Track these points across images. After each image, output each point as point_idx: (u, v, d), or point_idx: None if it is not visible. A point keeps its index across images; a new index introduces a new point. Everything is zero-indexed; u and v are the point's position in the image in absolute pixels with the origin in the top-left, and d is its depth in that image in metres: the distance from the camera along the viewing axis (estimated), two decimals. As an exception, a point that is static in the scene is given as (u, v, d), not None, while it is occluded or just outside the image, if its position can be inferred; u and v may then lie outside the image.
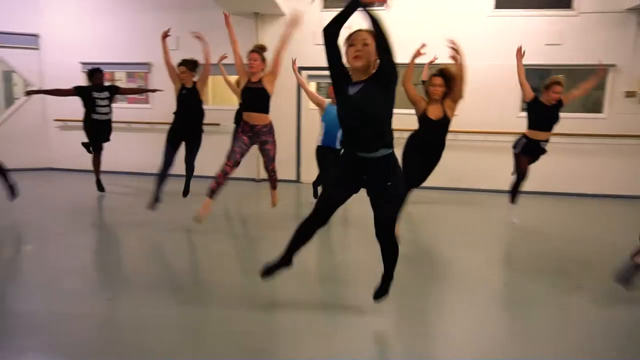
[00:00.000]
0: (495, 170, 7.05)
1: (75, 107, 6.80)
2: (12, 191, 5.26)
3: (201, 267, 4.05)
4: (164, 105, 8.07)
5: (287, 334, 2.78)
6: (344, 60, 2.49)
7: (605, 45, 6.84)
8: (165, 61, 5.43)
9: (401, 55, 7.24)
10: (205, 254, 4.30)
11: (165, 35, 5.37)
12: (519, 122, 5.84)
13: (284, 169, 8.05)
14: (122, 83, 9.57)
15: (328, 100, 5.98)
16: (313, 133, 6.15)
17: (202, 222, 4.13)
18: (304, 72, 7.73)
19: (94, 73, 6.66)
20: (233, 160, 4.26)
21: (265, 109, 4.40)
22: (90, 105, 6.56)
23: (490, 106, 7.24)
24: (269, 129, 4.49)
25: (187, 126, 5.46)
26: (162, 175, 5.18)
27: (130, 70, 8.65)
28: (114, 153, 7.61)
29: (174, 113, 5.53)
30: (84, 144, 6.88)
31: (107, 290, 3.42)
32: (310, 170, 6.81)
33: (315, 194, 6.10)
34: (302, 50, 7.66)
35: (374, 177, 2.54)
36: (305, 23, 7.51)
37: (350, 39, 2.44)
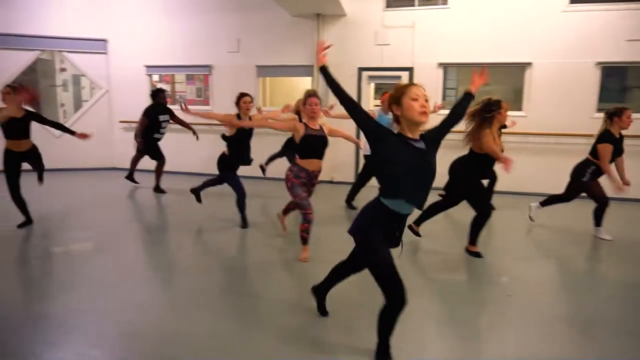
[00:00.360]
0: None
1: (139, 108, 6.96)
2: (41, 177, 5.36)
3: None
4: (222, 106, 8.19)
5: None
6: (399, 111, 2.31)
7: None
8: (218, 119, 5.25)
9: (474, 54, 7.03)
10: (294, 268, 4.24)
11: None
12: (594, 124, 5.45)
13: (343, 171, 7.95)
14: (181, 85, 9.85)
15: (377, 109, 5.87)
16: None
17: (308, 261, 4.11)
18: (364, 73, 7.61)
19: (158, 93, 6.81)
20: (308, 204, 4.09)
21: (323, 156, 4.20)
22: (155, 126, 6.80)
23: (562, 107, 6.84)
24: (320, 171, 4.30)
25: (246, 156, 5.33)
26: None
27: (191, 73, 8.83)
28: (174, 154, 7.81)
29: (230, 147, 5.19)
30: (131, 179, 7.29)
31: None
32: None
33: (350, 199, 6.07)
34: (362, 51, 7.57)
35: (401, 233, 2.44)
36: (367, 23, 7.46)
37: (410, 92, 2.27)
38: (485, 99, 4.19)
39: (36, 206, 5.33)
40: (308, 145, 4.08)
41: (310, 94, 4.19)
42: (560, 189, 5.14)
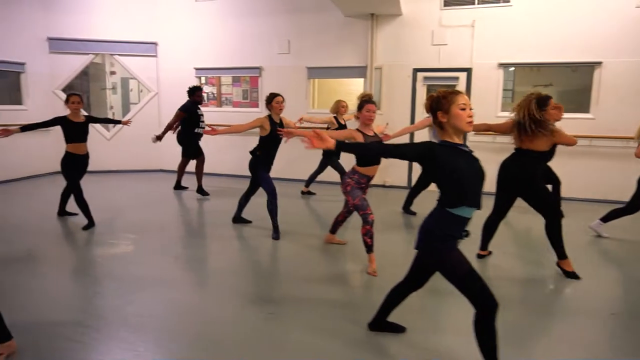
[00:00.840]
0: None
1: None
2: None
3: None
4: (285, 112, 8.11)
5: None
6: (446, 119, 2.28)
7: None
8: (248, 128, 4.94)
9: (538, 53, 6.71)
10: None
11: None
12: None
13: (395, 175, 7.74)
14: (227, 87, 9.83)
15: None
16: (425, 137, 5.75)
17: (376, 275, 3.92)
18: (419, 74, 7.39)
19: (196, 91, 6.88)
20: (368, 205, 3.95)
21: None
22: (196, 120, 6.82)
23: (635, 108, 6.44)
24: None
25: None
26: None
27: (240, 75, 8.76)
28: (215, 156, 7.81)
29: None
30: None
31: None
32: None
33: (408, 203, 5.84)
34: (418, 51, 7.35)
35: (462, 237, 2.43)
36: (424, 22, 7.23)
37: (459, 101, 2.26)
38: (535, 95, 3.85)
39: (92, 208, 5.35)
40: None
41: (368, 100, 4.05)
42: (627, 196, 4.81)
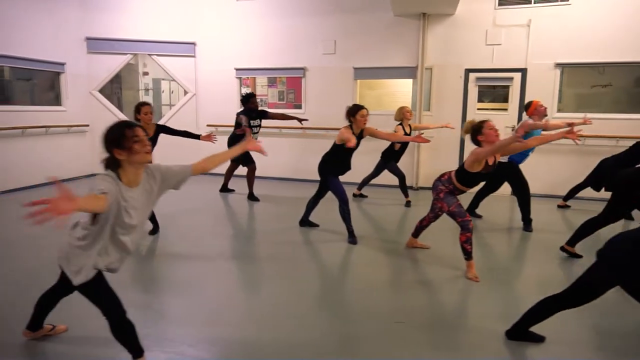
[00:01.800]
0: None
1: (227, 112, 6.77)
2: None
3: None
4: (315, 109, 7.95)
5: None
6: None
7: None
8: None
9: (596, 53, 6.57)
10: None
11: None
12: None
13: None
14: (263, 89, 9.66)
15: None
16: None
17: (479, 280, 3.77)
18: (471, 75, 7.23)
19: (250, 98, 6.45)
20: (466, 212, 3.83)
21: None
22: (249, 128, 6.45)
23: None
24: None
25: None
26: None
27: (284, 76, 8.58)
28: (265, 159, 7.58)
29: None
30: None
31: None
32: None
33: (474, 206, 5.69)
34: (471, 51, 7.21)
35: None
36: (477, 22, 7.09)
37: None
38: None
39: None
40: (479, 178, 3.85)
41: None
42: None
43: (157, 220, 4.92)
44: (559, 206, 6.38)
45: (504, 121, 7.19)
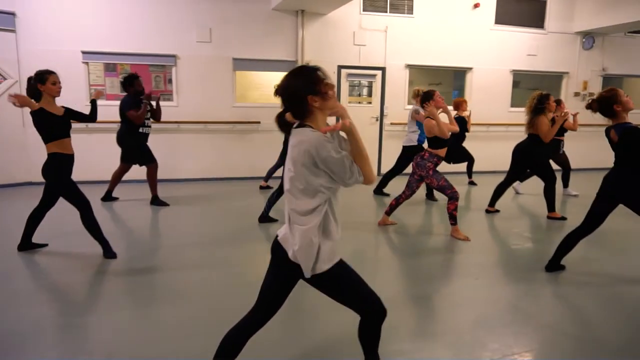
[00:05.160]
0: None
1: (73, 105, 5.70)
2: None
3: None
4: (190, 102, 7.33)
5: None
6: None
7: (563, 57, 9.12)
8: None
9: (423, 58, 8.21)
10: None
11: None
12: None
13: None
14: (97, 78, 8.09)
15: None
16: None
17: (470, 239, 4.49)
18: (343, 71, 8.02)
19: (134, 80, 5.57)
20: (452, 185, 4.53)
21: None
22: None
23: (489, 102, 8.77)
24: None
25: None
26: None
27: (152, 63, 7.31)
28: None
29: None
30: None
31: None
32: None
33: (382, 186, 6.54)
34: (342, 49, 7.99)
35: None
36: (347, 23, 7.89)
37: None
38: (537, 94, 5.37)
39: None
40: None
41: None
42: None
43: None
44: (487, 211, 5.76)
45: (369, 112, 8.30)
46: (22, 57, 6.62)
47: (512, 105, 8.90)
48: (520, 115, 7.96)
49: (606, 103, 3.25)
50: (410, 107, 6.83)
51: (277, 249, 1.88)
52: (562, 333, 2.69)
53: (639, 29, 9.07)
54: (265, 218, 5.02)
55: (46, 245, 4.05)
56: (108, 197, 5.92)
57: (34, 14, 6.59)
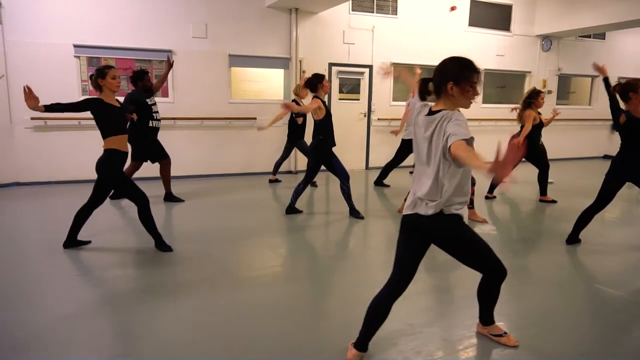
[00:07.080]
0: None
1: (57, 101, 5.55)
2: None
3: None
4: (186, 98, 7.28)
5: None
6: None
7: (526, 58, 9.97)
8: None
9: (406, 56, 8.69)
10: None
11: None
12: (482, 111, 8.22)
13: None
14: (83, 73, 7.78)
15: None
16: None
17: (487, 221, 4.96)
18: (334, 68, 8.27)
19: (144, 75, 5.54)
20: None
21: None
22: (147, 111, 5.56)
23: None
24: None
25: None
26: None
27: (146, 58, 7.13)
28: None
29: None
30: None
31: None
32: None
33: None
34: (333, 48, 8.26)
35: None
36: (336, 22, 8.15)
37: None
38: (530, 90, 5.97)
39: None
40: None
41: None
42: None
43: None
44: (487, 197, 6.25)
45: (358, 108, 8.62)
46: (8, 50, 6.25)
47: (484, 102, 9.60)
48: (491, 110, 8.63)
49: (626, 88, 3.79)
50: (405, 102, 7.23)
51: (408, 221, 2.15)
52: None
53: (590, 33, 10.17)
54: (291, 209, 5.17)
55: (89, 242, 3.97)
56: (118, 195, 5.76)
57: (20, 5, 6.24)
